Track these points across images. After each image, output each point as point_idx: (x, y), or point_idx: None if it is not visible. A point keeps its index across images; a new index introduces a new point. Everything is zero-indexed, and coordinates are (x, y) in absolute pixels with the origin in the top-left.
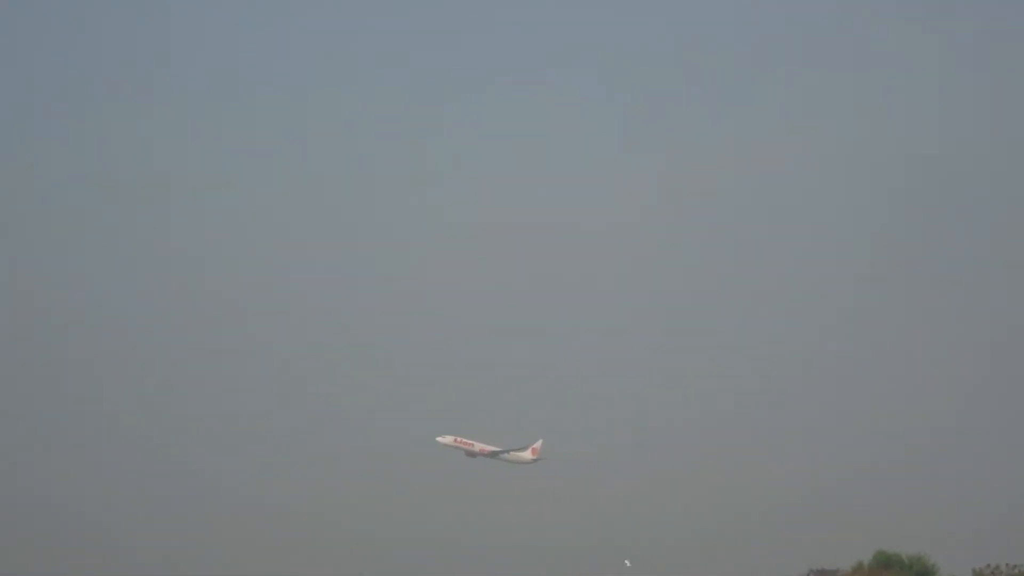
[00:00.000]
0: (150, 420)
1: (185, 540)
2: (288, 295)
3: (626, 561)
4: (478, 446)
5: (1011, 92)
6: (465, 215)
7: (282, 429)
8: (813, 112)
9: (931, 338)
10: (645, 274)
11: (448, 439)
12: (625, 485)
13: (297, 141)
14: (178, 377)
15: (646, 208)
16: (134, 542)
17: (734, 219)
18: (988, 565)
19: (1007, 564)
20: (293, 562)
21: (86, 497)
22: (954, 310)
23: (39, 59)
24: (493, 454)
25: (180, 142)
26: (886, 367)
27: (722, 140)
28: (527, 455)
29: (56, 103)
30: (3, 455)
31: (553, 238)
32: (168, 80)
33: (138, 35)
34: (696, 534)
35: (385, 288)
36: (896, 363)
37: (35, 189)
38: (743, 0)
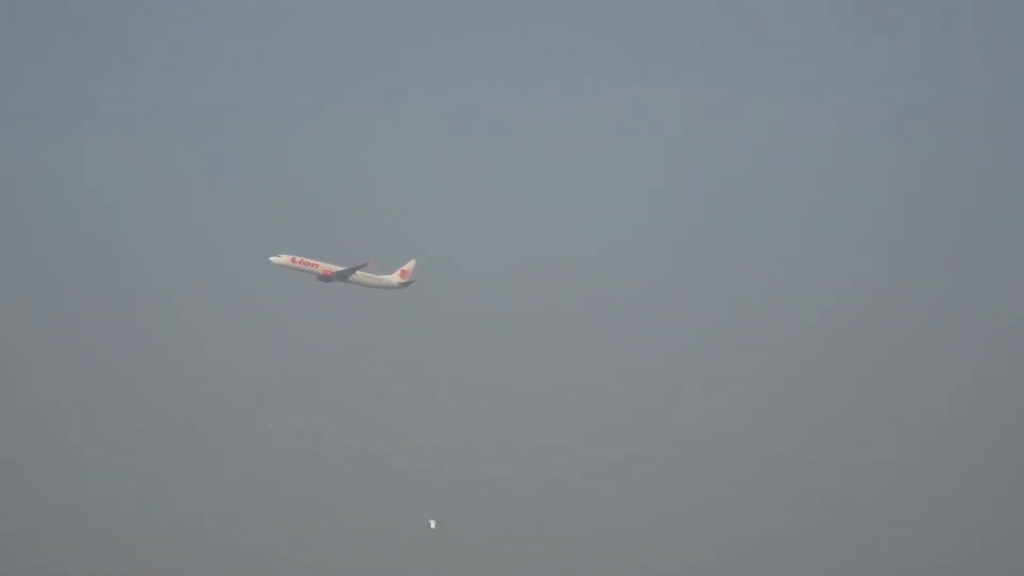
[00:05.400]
0: None
1: None
2: None
3: (431, 522)
4: (323, 266)
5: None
6: None
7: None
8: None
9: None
10: None
11: (284, 259)
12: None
13: None
14: None
15: None
16: None
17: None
18: None
19: None
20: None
21: None
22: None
23: None
24: (343, 275)
25: None
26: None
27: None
28: (393, 278)
29: None
30: None
31: None
32: None
33: None
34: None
35: None
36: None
37: None
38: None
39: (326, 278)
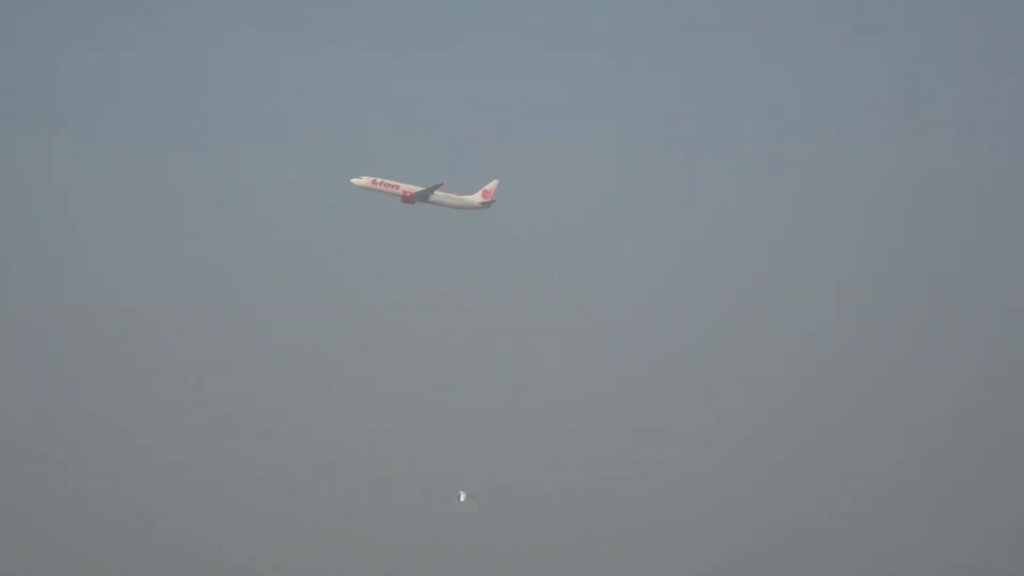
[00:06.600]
0: None
1: None
2: None
3: (461, 494)
4: (403, 187)
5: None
6: None
7: None
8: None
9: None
10: None
11: (365, 180)
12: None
13: None
14: None
15: None
16: None
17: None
18: None
19: None
20: None
21: None
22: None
23: None
24: (423, 195)
25: None
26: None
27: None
28: (475, 198)
29: None
30: None
31: None
32: None
33: None
34: None
35: None
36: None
37: None
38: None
39: (408, 199)
